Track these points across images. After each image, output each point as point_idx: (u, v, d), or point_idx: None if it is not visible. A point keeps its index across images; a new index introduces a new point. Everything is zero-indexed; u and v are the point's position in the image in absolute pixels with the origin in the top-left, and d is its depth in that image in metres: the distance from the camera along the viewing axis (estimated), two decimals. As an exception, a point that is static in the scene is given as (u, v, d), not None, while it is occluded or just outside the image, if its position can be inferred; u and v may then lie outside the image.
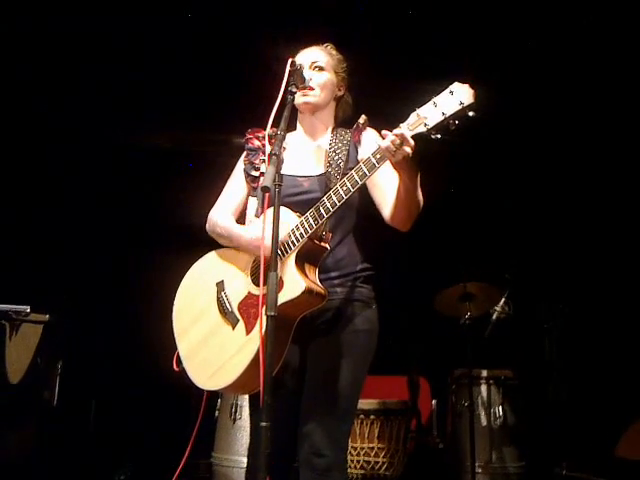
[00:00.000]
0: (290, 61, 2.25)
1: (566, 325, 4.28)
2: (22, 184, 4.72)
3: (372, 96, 3.22)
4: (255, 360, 2.09)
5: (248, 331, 2.18)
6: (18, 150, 4.69)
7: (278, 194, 2.00)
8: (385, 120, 2.10)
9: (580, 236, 4.78)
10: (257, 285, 2.19)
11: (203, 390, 2.30)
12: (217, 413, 4.04)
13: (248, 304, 2.22)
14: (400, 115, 2.00)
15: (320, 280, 2.18)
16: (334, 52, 2.46)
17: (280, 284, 2.07)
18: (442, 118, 1.94)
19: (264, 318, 1.95)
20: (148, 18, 4.06)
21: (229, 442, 3.90)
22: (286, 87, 2.23)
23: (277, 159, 2.05)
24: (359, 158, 2.29)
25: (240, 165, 2.48)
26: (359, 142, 2.36)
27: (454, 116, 1.93)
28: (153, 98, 4.57)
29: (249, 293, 2.24)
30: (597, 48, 4.07)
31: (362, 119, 2.36)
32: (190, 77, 4.47)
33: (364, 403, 4.04)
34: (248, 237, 2.25)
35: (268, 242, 2.00)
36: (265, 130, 2.28)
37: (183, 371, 2.32)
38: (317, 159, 2.38)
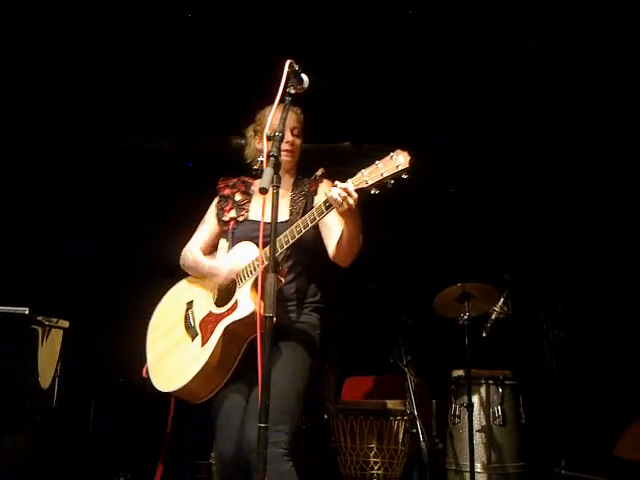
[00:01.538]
0: (288, 62, 2.32)
1: (565, 325, 4.28)
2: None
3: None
4: (205, 367, 2.49)
5: (203, 343, 2.55)
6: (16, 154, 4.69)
7: (276, 195, 2.16)
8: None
9: (579, 236, 4.78)
10: (218, 306, 2.60)
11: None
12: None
13: (207, 321, 2.60)
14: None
15: (277, 306, 2.44)
16: (302, 116, 2.83)
17: (235, 306, 2.50)
18: (380, 177, 2.27)
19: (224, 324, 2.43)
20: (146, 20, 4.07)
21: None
22: (284, 88, 2.32)
23: (275, 160, 2.16)
24: (314, 205, 2.63)
25: (213, 209, 2.88)
26: (315, 192, 2.76)
27: (390, 177, 2.25)
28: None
29: (210, 312, 2.62)
30: (596, 48, 4.09)
31: (320, 172, 2.77)
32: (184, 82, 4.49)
33: (364, 404, 4.05)
34: (208, 265, 2.69)
35: (225, 271, 2.59)
36: (237, 178, 2.87)
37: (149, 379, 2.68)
38: (281, 207, 2.62)
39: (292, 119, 2.73)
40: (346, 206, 2.32)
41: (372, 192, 2.31)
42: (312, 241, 2.65)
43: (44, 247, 4.80)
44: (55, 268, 4.76)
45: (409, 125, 4.55)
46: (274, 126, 2.28)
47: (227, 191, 2.86)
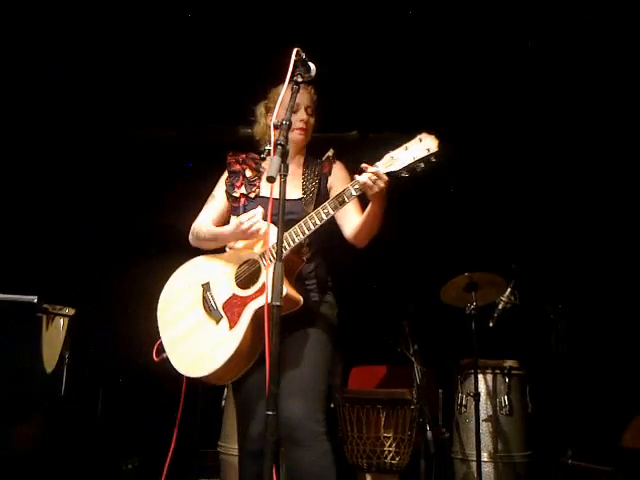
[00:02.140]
0: (295, 51, 2.32)
1: (572, 315, 4.27)
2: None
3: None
4: (236, 353, 2.44)
5: (231, 326, 2.49)
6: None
7: (283, 184, 2.14)
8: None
9: (587, 226, 4.77)
10: (242, 288, 2.54)
11: (190, 379, 2.56)
12: (223, 403, 4.06)
13: (232, 304, 2.53)
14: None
15: (297, 286, 2.51)
16: (315, 96, 2.79)
17: (263, 288, 2.43)
18: (412, 160, 2.31)
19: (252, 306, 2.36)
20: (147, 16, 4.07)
21: (235, 431, 3.90)
22: (291, 77, 2.32)
23: (283, 149, 2.14)
24: (328, 186, 2.73)
25: (221, 183, 2.82)
26: (329, 173, 2.75)
27: (421, 160, 2.30)
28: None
29: (233, 294, 2.54)
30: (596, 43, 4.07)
31: (331, 152, 2.79)
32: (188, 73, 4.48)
33: (371, 393, 4.06)
34: (230, 228, 2.59)
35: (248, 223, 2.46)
36: (246, 154, 2.81)
37: (163, 361, 2.59)
38: (293, 185, 2.68)
39: (305, 98, 2.71)
40: (377, 189, 2.35)
41: (401, 175, 2.34)
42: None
43: (49, 234, 4.82)
44: (59, 254, 4.77)
45: (415, 114, 4.53)
46: (281, 114, 2.26)
47: (237, 167, 2.80)
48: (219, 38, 4.32)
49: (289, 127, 2.22)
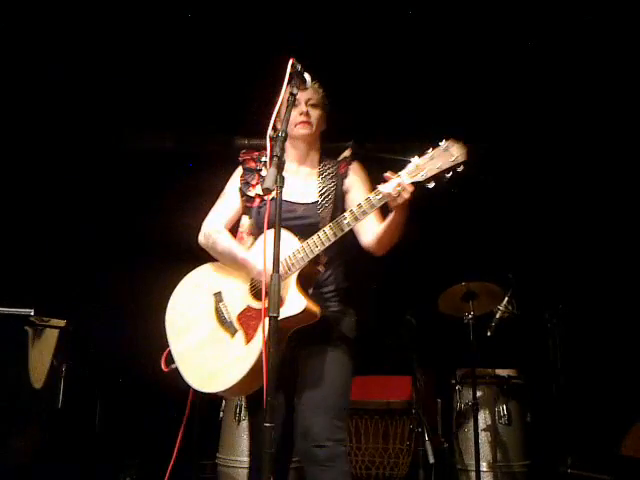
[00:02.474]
0: (291, 62, 2.29)
1: (570, 324, 4.27)
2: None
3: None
4: (253, 368, 2.30)
5: (247, 341, 2.37)
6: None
7: (280, 195, 2.08)
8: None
9: (584, 235, 4.77)
10: (257, 299, 2.40)
11: (197, 391, 2.45)
12: (221, 414, 4.06)
13: (248, 316, 2.41)
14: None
15: (312, 294, 2.39)
16: (320, 90, 2.65)
17: (281, 301, 2.19)
18: (438, 171, 2.18)
19: (266, 322, 2.10)
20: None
21: (233, 443, 3.92)
22: (287, 88, 2.28)
23: (279, 161, 2.10)
24: (345, 188, 2.58)
25: (235, 181, 2.65)
26: (346, 175, 2.60)
27: (448, 170, 2.17)
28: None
29: (248, 307, 2.43)
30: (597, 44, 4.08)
31: (348, 152, 2.65)
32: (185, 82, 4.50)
33: (369, 403, 4.05)
34: (241, 257, 2.46)
35: (259, 269, 2.28)
36: (259, 152, 2.62)
37: (173, 371, 2.47)
38: (308, 187, 2.58)
39: (306, 93, 2.57)
40: (401, 201, 2.24)
41: (427, 185, 2.22)
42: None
43: (47, 235, 4.82)
44: (55, 263, 4.77)
45: (412, 125, 4.55)
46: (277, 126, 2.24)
47: (252, 164, 2.63)
48: (215, 48, 4.33)
49: (285, 139, 2.17)
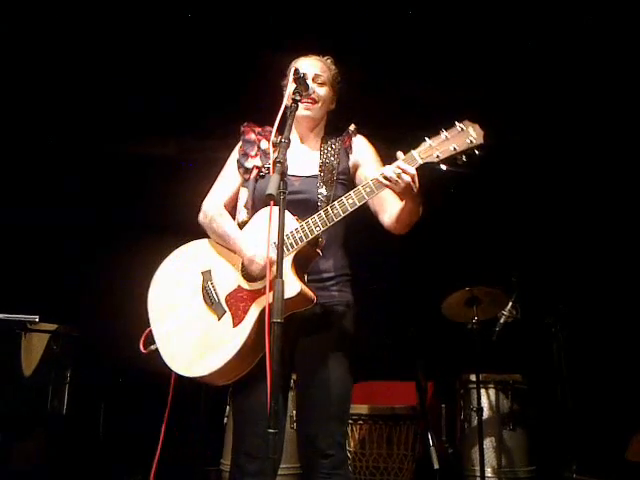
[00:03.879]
0: (294, 69, 2.30)
1: (574, 328, 4.26)
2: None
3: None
4: (240, 352, 2.17)
5: (235, 324, 2.22)
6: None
7: (283, 202, 2.01)
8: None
9: (587, 239, 4.77)
10: (249, 281, 2.26)
11: (180, 376, 2.29)
12: (225, 420, 4.04)
13: (237, 297, 2.26)
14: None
15: (310, 280, 2.26)
16: (332, 67, 2.55)
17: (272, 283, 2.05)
18: (454, 152, 2.05)
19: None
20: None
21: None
22: (290, 95, 2.30)
23: (282, 166, 2.05)
24: (352, 164, 2.46)
25: (234, 156, 2.52)
26: (350, 148, 2.48)
27: (464, 152, 2.04)
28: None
29: (239, 287, 2.27)
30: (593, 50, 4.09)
31: (352, 126, 2.51)
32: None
33: (374, 409, 4.04)
34: (247, 254, 2.27)
35: (262, 261, 2.18)
36: (261, 127, 2.50)
37: (152, 353, 2.31)
38: (309, 161, 2.47)
39: (314, 66, 2.47)
40: (402, 185, 2.09)
41: (439, 167, 2.07)
42: None
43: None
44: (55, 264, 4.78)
45: (411, 125, 4.55)
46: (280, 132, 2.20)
47: (252, 135, 2.51)
48: (216, 52, 4.35)
49: (288, 145, 2.13)
